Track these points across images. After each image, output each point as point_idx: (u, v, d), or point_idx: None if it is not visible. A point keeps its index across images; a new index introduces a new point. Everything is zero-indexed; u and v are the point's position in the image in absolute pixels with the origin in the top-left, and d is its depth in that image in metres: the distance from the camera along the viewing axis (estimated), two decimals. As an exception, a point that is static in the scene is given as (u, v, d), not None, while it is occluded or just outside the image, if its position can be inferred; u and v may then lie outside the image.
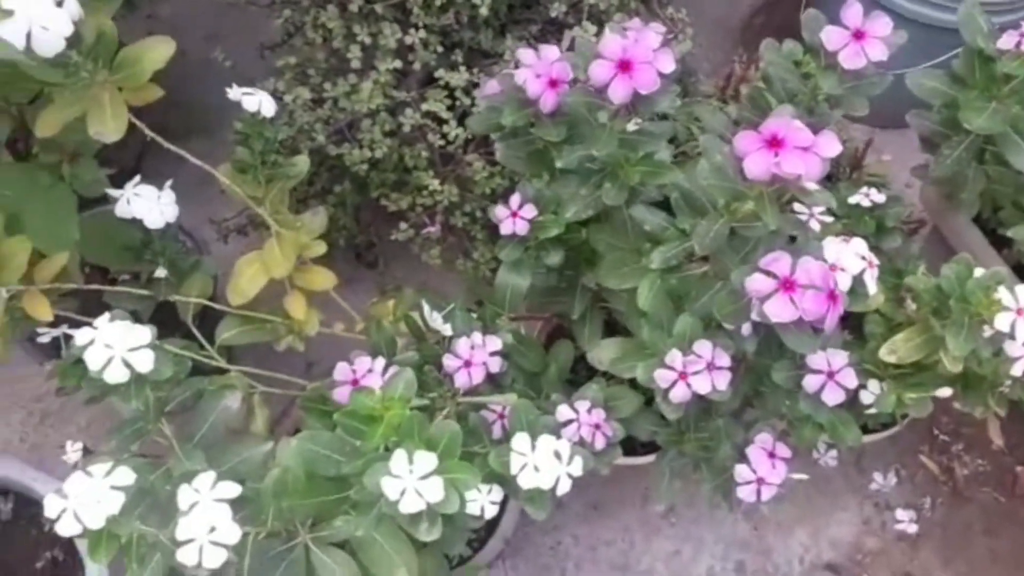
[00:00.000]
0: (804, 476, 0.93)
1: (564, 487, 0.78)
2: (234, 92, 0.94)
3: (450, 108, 1.22)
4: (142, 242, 0.96)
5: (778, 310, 0.67)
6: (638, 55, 0.73)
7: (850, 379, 0.90)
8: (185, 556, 0.64)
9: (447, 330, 0.96)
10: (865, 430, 1.21)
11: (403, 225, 1.25)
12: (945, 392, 0.96)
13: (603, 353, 0.94)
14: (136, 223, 0.94)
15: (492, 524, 1.16)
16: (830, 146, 0.66)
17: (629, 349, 0.92)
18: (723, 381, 0.80)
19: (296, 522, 0.78)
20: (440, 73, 1.21)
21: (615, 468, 1.33)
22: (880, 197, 1.09)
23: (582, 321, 1.05)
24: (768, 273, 0.68)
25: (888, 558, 1.32)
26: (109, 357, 0.71)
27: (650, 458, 1.09)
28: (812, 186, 0.66)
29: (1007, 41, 0.97)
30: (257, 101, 0.94)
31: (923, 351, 0.95)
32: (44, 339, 0.94)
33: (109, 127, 0.76)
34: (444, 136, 1.20)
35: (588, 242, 0.98)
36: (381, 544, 0.78)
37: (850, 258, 0.85)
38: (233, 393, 0.87)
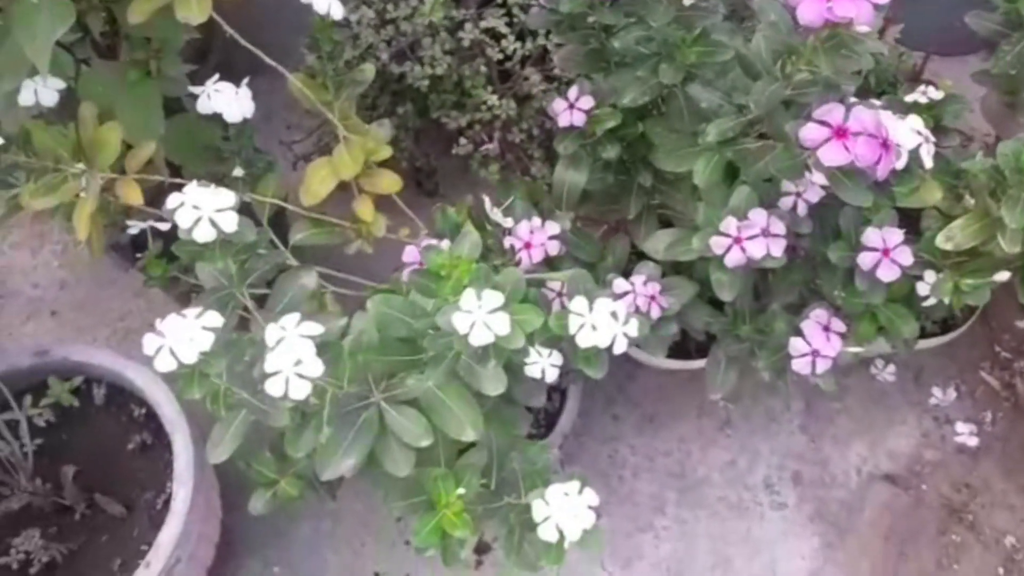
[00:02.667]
0: (860, 349, 0.94)
1: (620, 346, 0.81)
2: (305, -6, 0.98)
3: (508, 25, 1.25)
4: (222, 139, 1.02)
5: (832, 155, 0.69)
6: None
7: (905, 256, 0.91)
8: (272, 387, 0.69)
9: (507, 222, 0.99)
10: (923, 335, 1.22)
11: (463, 140, 1.29)
12: (1003, 276, 0.96)
13: (658, 242, 0.97)
14: (215, 121, 1.00)
15: (551, 420, 1.19)
16: (885, -11, 0.67)
17: (684, 235, 0.94)
18: (778, 247, 0.83)
19: (371, 381, 0.83)
20: (497, -11, 1.25)
21: (669, 380, 1.37)
22: (937, 94, 1.08)
23: (638, 220, 1.08)
24: (822, 123, 0.70)
25: (947, 470, 1.32)
26: (197, 217, 0.76)
27: (704, 363, 1.11)
28: (864, 29, 0.67)
29: (1068, -77, 0.96)
30: (327, 3, 0.99)
31: (980, 236, 0.95)
32: (133, 230, 1.00)
33: (195, 11, 0.82)
34: (503, 51, 1.24)
35: (644, 136, 1.01)
36: (450, 406, 0.82)
37: (905, 132, 0.86)
38: (309, 273, 0.92)
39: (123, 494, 1.07)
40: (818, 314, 0.91)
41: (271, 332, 0.70)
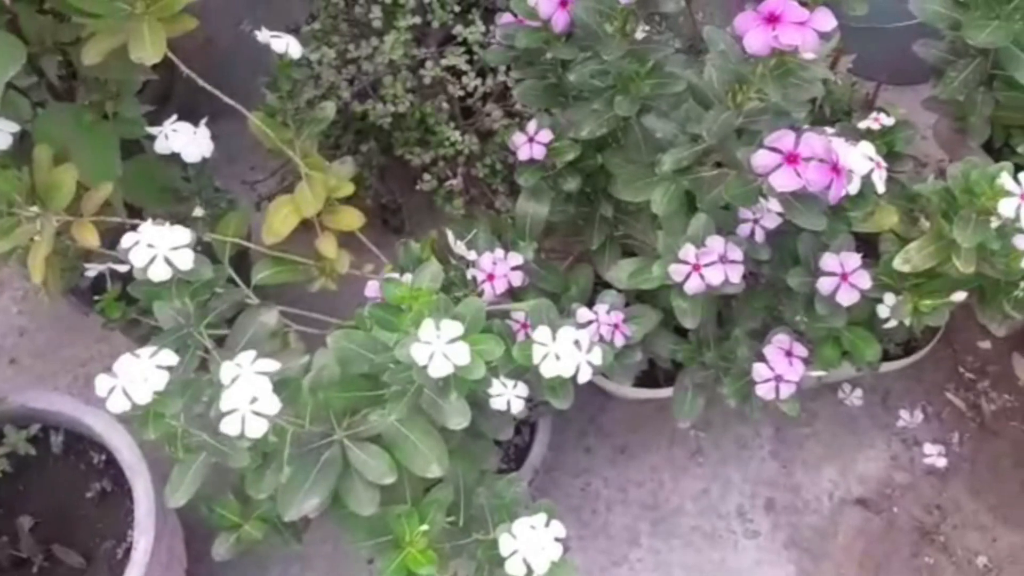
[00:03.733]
0: (823, 372, 0.95)
1: (585, 375, 0.81)
2: (263, 35, 0.99)
3: (469, 62, 1.26)
4: (181, 179, 1.01)
5: (783, 180, 0.70)
6: (640, -44, 0.77)
7: (863, 280, 0.92)
8: (228, 426, 0.68)
9: (471, 255, 1.00)
10: (887, 358, 1.23)
11: (426, 176, 1.29)
12: (959, 296, 0.98)
13: (621, 272, 0.97)
14: (174, 162, 0.99)
15: (521, 454, 1.18)
16: (825, 20, 0.69)
17: (645, 263, 0.95)
18: (735, 273, 0.83)
19: (333, 419, 0.82)
20: (458, 29, 1.26)
21: (640, 410, 1.37)
22: (889, 120, 1.11)
23: (601, 251, 1.09)
24: (773, 150, 0.71)
25: (917, 492, 1.32)
26: (152, 256, 0.75)
27: (671, 391, 1.11)
28: (810, 55, 0.69)
29: (1005, -47, 1.00)
30: (285, 43, 1.00)
31: (936, 258, 0.97)
32: (91, 273, 0.99)
33: (148, 52, 0.82)
34: (464, 88, 1.25)
35: (604, 167, 1.02)
36: (414, 442, 0.81)
37: (857, 159, 0.88)
38: (269, 310, 0.91)
39: (82, 544, 1.04)
40: (780, 339, 0.92)
41: (226, 370, 0.69)
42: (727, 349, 0.99)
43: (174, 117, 0.97)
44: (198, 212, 1.04)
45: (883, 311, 1.03)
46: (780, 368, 0.89)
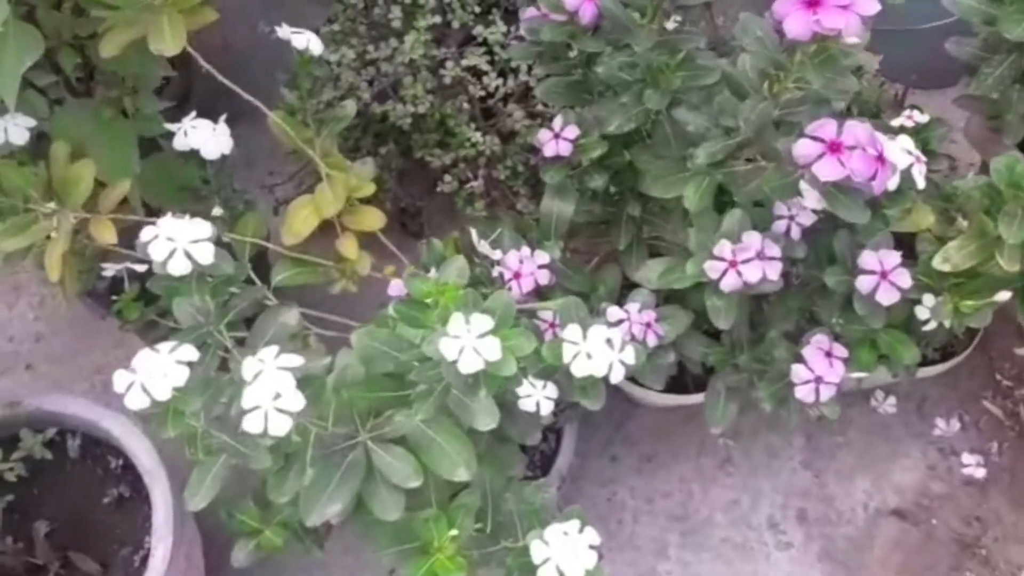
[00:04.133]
0: (864, 374, 0.91)
1: (617, 375, 0.78)
2: (283, 31, 0.98)
3: (490, 63, 1.25)
4: (200, 179, 1.00)
5: (826, 170, 0.67)
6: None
7: (903, 279, 0.88)
8: (251, 424, 0.65)
9: (495, 254, 0.97)
10: (924, 363, 1.19)
11: (447, 178, 1.27)
12: (1003, 296, 0.94)
13: (650, 271, 0.94)
14: (193, 159, 0.98)
15: (547, 462, 1.15)
16: (868, 4, 0.66)
17: (676, 262, 0.92)
18: (774, 270, 0.80)
19: (357, 420, 0.79)
20: (478, 30, 1.25)
21: (667, 419, 1.33)
22: (923, 117, 1.08)
23: (629, 251, 1.06)
24: (815, 139, 0.68)
25: (956, 503, 1.28)
26: (172, 249, 0.73)
27: (702, 397, 1.08)
28: (854, 40, 0.66)
29: (1045, -56, 0.97)
30: (306, 39, 0.98)
31: (978, 256, 0.94)
32: (108, 274, 0.97)
33: (168, 43, 0.80)
34: (484, 88, 1.23)
35: (631, 165, 1.00)
36: (440, 444, 0.79)
37: (897, 152, 0.85)
38: (290, 310, 0.89)
39: (99, 551, 1.01)
40: (819, 339, 0.89)
41: (248, 365, 0.66)
42: (762, 351, 0.95)
43: (193, 114, 0.96)
44: (217, 211, 1.02)
45: (922, 312, 0.99)
46: (820, 369, 0.86)
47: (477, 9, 1.28)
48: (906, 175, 0.89)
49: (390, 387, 0.79)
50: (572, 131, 0.95)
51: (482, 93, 1.23)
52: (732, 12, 1.50)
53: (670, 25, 0.83)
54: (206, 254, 0.74)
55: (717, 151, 0.81)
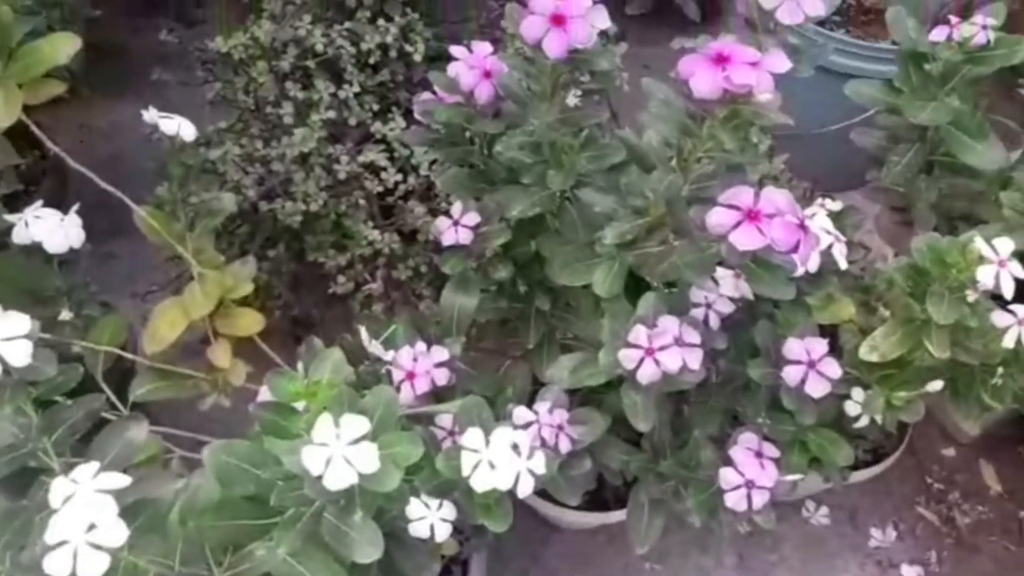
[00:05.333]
0: (800, 476, 0.82)
1: (526, 488, 0.66)
2: (149, 114, 0.88)
3: (389, 159, 1.18)
4: (44, 277, 0.87)
5: (745, 239, 0.60)
6: (571, 9, 0.69)
7: (832, 368, 0.82)
8: (54, 565, 0.51)
9: (388, 355, 0.86)
10: (855, 467, 1.12)
11: (341, 279, 1.17)
12: (936, 386, 0.88)
13: (561, 368, 0.85)
14: (37, 256, 0.85)
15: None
16: (779, 62, 0.61)
17: (588, 357, 0.83)
18: (695, 359, 0.72)
19: (208, 556, 0.65)
20: (377, 127, 1.18)
21: (588, 543, 1.22)
22: (836, 205, 1.05)
23: (539, 351, 0.97)
24: (731, 207, 0.62)
25: (901, 621, 1.18)
26: (-23, 349, 0.60)
27: (623, 514, 0.97)
28: (766, 97, 0.61)
29: (939, 34, 0.98)
30: (176, 124, 0.89)
31: (905, 344, 0.88)
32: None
33: (1, 115, 0.69)
34: (383, 183, 1.15)
35: (539, 256, 0.92)
36: (311, 581, 0.65)
37: (816, 232, 0.80)
38: (138, 424, 0.75)
39: None
40: (747, 438, 0.80)
41: (58, 487, 0.52)
42: (686, 456, 0.86)
43: (38, 203, 0.84)
44: (65, 315, 0.89)
45: (852, 408, 0.92)
46: (751, 472, 0.76)
47: (376, 107, 1.22)
48: (826, 256, 0.84)
49: (251, 514, 0.65)
50: (472, 218, 0.87)
51: (380, 189, 1.15)
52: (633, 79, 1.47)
53: (571, 101, 0.77)
54: (20, 354, 0.60)
55: (626, 231, 0.74)
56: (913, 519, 1.28)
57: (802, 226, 0.62)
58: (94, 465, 0.54)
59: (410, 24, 1.23)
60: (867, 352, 0.89)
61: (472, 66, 0.82)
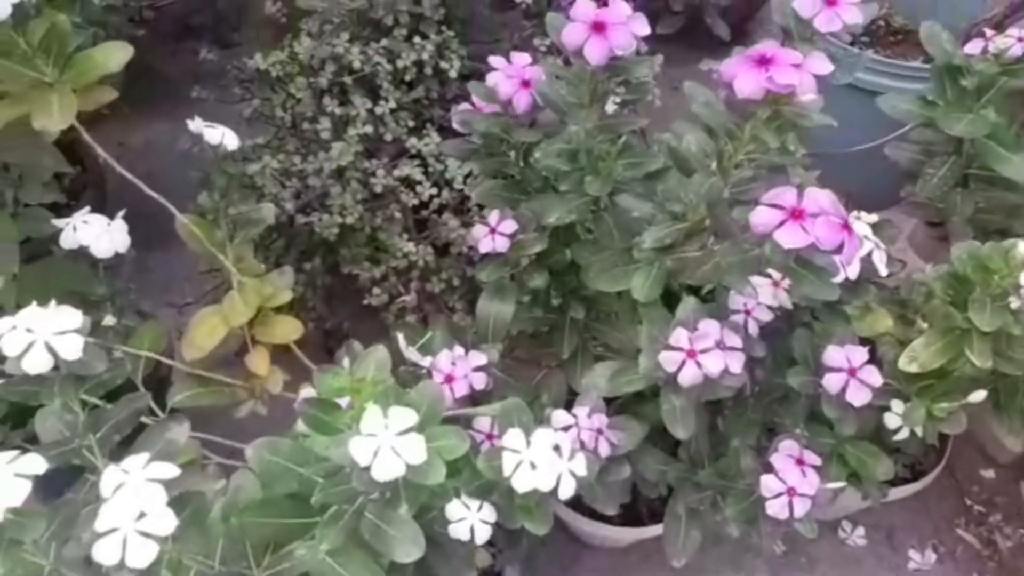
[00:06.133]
0: (841, 484, 0.81)
1: (567, 489, 0.66)
2: (195, 124, 0.90)
3: (424, 174, 1.19)
4: (89, 282, 0.88)
5: (789, 237, 0.60)
6: (611, 17, 0.70)
7: (873, 376, 0.81)
8: (104, 552, 0.51)
9: (425, 362, 0.87)
10: (894, 483, 1.10)
11: (376, 291, 1.18)
12: (979, 396, 0.87)
13: (597, 376, 0.85)
14: (83, 261, 0.87)
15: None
16: (821, 64, 0.62)
17: (626, 364, 0.83)
18: (736, 362, 0.72)
19: (250, 555, 0.65)
20: (412, 142, 1.20)
21: (620, 561, 1.20)
22: (871, 218, 1.04)
23: (574, 360, 0.97)
24: (774, 206, 0.62)
25: (943, 645, 1.15)
26: (30, 342, 0.61)
27: (659, 529, 0.96)
28: (809, 97, 0.61)
29: (974, 47, 0.98)
30: (220, 133, 0.91)
31: (946, 354, 0.87)
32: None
33: (55, 120, 0.71)
34: (418, 196, 1.16)
35: (574, 265, 0.92)
36: (352, 581, 0.65)
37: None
38: (180, 424, 0.76)
39: None
40: (788, 446, 0.79)
41: (109, 476, 0.53)
42: (725, 465, 0.85)
43: (86, 209, 0.86)
44: (109, 320, 0.90)
45: (892, 420, 0.91)
46: (793, 479, 0.76)
47: (411, 123, 1.24)
48: (865, 264, 0.83)
49: (292, 512, 0.65)
50: (509, 225, 0.88)
51: (415, 202, 1.17)
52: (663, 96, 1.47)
53: (609, 107, 0.78)
54: (72, 348, 0.61)
55: (665, 235, 0.74)
56: (953, 541, 1.25)
57: (846, 226, 0.62)
58: (144, 456, 0.54)
59: (445, 42, 1.26)
60: (907, 363, 0.88)
61: (511, 75, 0.84)
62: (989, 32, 0.98)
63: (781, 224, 0.61)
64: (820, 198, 0.61)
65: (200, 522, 0.63)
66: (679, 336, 0.70)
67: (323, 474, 0.62)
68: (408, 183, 1.18)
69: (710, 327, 0.71)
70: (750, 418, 0.91)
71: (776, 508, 0.75)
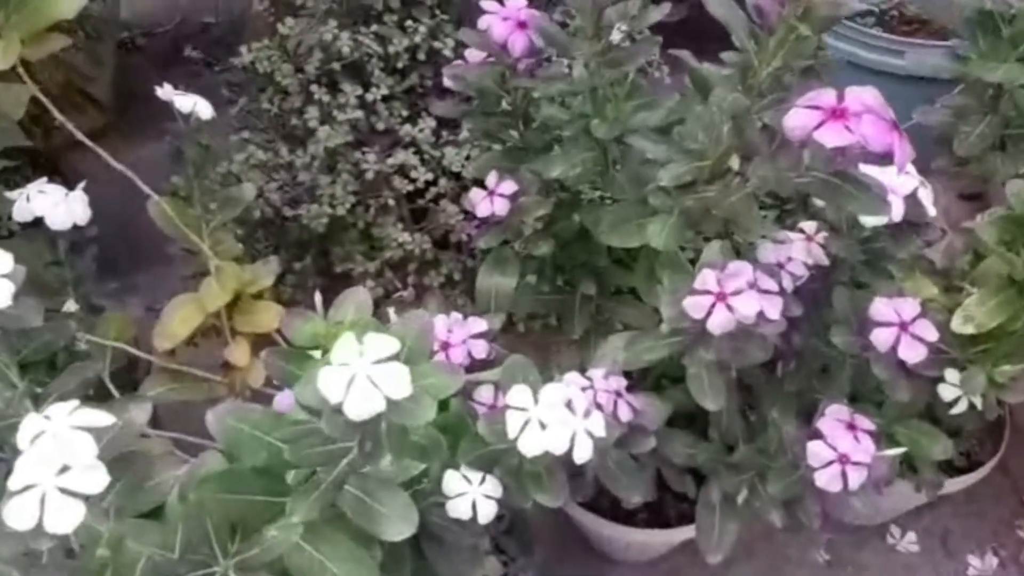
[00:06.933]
0: (902, 449, 0.71)
1: (583, 452, 0.56)
2: (164, 91, 0.83)
3: (421, 162, 1.11)
4: (50, 265, 0.80)
5: (832, 136, 0.51)
6: (612, -75, 0.63)
7: (928, 331, 0.71)
8: (16, 514, 0.42)
9: (420, 339, 0.77)
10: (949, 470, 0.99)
11: (370, 283, 1.09)
12: (1048, 356, 0.77)
13: (613, 347, 0.75)
14: (44, 242, 0.79)
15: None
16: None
17: (645, 332, 0.73)
18: (774, 308, 0.62)
19: (213, 539, 0.55)
20: (407, 129, 1.13)
21: (642, 568, 1.08)
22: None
23: (586, 340, 0.88)
24: (812, 107, 0.53)
25: (1014, 659, 1.02)
26: (-46, 290, 0.52)
27: (689, 531, 0.85)
28: (844, -25, 0.53)
29: (1010, -12, 0.90)
30: (192, 102, 0.84)
31: (1004, 311, 0.78)
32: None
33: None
34: (413, 183, 1.08)
35: (582, 234, 0.84)
36: (331, 570, 0.55)
37: (896, 176, 0.71)
38: (141, 404, 0.66)
39: None
40: (836, 410, 0.69)
41: (27, 426, 0.44)
42: (763, 442, 0.75)
43: (43, 179, 0.78)
44: (71, 306, 0.81)
45: (948, 392, 0.81)
46: (844, 445, 0.65)
47: (405, 113, 1.17)
48: (911, 205, 0.74)
49: (261, 489, 0.56)
50: (509, 186, 0.79)
51: (410, 188, 1.09)
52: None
53: (615, 36, 0.70)
54: (3, 293, 0.53)
55: (683, 172, 0.66)
56: (1015, 544, 1.13)
57: (895, 126, 0.53)
58: (73, 403, 0.45)
59: (439, 26, 1.19)
60: (961, 324, 0.79)
61: (505, 17, 0.76)
62: (1024, -31, 0.91)
63: (821, 125, 0.52)
64: (864, 96, 0.53)
65: (157, 513, 0.53)
66: (706, 278, 0.61)
67: (292, 437, 0.52)
68: (402, 171, 1.10)
69: (741, 267, 0.62)
70: (787, 392, 0.81)
71: (827, 479, 0.65)
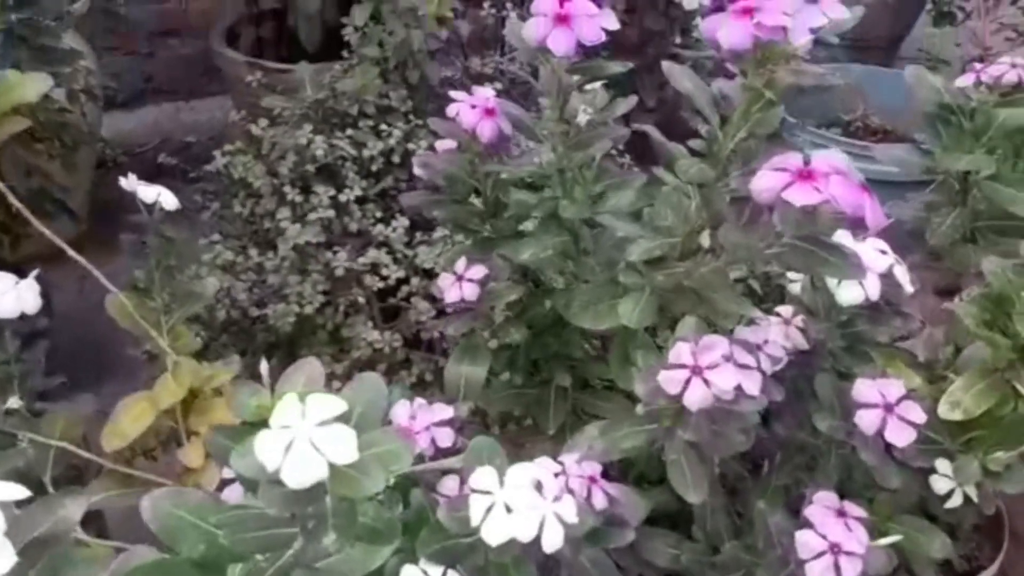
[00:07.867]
0: (897, 537, 0.65)
1: (554, 539, 0.51)
2: (129, 182, 0.82)
3: (393, 261, 1.10)
4: (-6, 357, 0.76)
5: (800, 195, 0.50)
6: (577, 8, 0.64)
7: (915, 412, 0.68)
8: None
9: (384, 431, 0.73)
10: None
11: (337, 384, 1.05)
12: (1042, 441, 0.74)
13: (588, 436, 0.71)
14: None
15: None
16: (814, 15, 0.55)
17: (622, 418, 0.70)
18: (753, 383, 0.59)
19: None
20: (379, 229, 1.12)
21: None
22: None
23: (561, 434, 0.83)
24: (779, 170, 0.52)
25: None
26: None
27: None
28: (804, 40, 0.53)
29: (965, 80, 0.93)
30: (155, 192, 0.83)
31: (992, 394, 0.75)
32: None
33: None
34: (385, 280, 1.07)
35: (556, 323, 0.82)
36: None
37: (871, 254, 0.70)
38: (76, 499, 0.61)
39: None
40: (824, 497, 0.65)
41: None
42: (751, 538, 0.70)
43: (-6, 268, 0.75)
44: (14, 403, 0.77)
45: (941, 484, 0.77)
46: (835, 534, 0.61)
47: (378, 215, 1.16)
48: (887, 283, 0.73)
49: (199, 582, 0.50)
50: (478, 271, 0.77)
51: (381, 286, 1.07)
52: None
53: (581, 119, 0.70)
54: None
55: (655, 247, 0.64)
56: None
57: (864, 188, 0.52)
58: (-16, 477, 0.41)
59: (413, 131, 1.21)
60: (948, 410, 0.76)
61: (474, 104, 0.77)
62: (978, 65, 0.93)
63: (788, 186, 0.51)
64: (831, 157, 0.52)
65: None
66: (681, 351, 0.58)
67: (232, 521, 0.47)
68: (374, 268, 1.09)
69: (716, 340, 0.59)
70: (774, 487, 0.76)
71: (819, 571, 0.60)
